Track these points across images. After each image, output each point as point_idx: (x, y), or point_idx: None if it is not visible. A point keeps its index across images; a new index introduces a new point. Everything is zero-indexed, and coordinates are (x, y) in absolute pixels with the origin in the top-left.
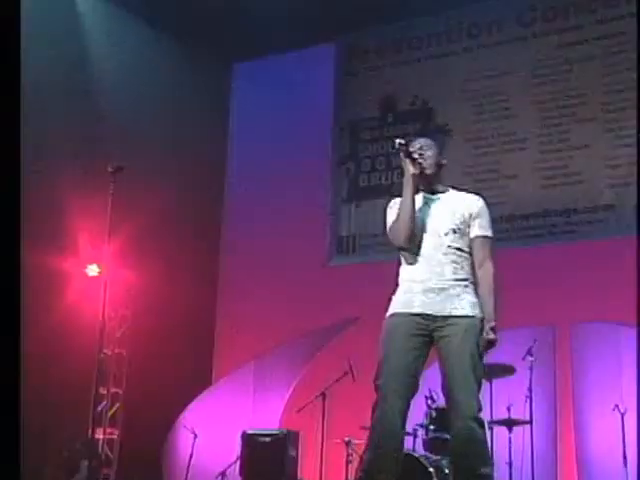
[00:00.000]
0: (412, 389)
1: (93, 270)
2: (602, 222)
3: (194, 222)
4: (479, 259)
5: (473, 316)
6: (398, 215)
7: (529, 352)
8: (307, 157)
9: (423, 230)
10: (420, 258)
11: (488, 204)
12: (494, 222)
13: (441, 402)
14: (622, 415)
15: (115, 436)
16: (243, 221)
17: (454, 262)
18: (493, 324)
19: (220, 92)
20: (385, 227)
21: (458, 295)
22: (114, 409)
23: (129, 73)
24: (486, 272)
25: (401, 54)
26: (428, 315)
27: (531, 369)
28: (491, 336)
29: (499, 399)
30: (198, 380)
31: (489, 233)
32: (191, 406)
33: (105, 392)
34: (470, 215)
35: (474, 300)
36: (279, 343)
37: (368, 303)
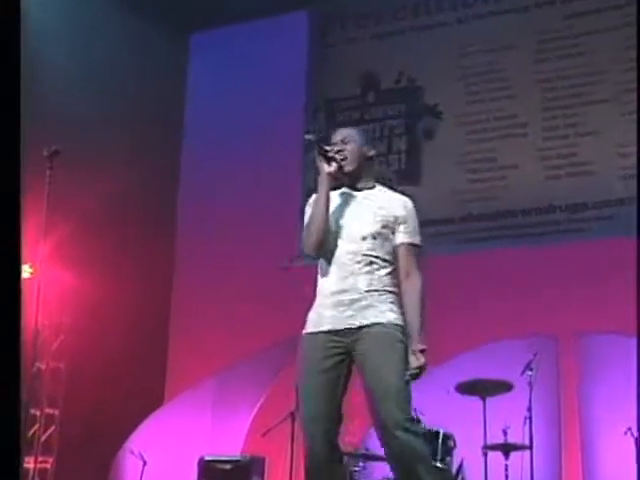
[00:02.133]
0: (334, 414)
1: (25, 271)
2: (612, 219)
3: (144, 216)
4: (404, 269)
5: (385, 323)
6: (309, 218)
7: (528, 366)
8: (275, 143)
9: (338, 235)
10: (333, 267)
11: (416, 208)
12: (490, 217)
13: (428, 424)
14: (636, 439)
15: (49, 465)
16: (200, 217)
17: (369, 272)
18: (423, 347)
19: (174, 69)
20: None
21: (371, 305)
22: (48, 433)
23: (69, 45)
24: (412, 285)
25: (385, 24)
26: (339, 331)
27: (531, 386)
28: (421, 361)
29: (494, 420)
30: (148, 399)
31: (416, 240)
32: (140, 429)
33: (38, 413)
34: (395, 219)
35: (393, 308)
36: (242, 356)
37: None
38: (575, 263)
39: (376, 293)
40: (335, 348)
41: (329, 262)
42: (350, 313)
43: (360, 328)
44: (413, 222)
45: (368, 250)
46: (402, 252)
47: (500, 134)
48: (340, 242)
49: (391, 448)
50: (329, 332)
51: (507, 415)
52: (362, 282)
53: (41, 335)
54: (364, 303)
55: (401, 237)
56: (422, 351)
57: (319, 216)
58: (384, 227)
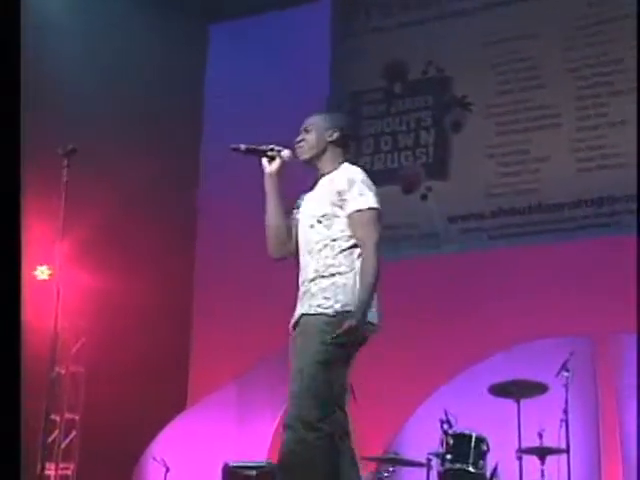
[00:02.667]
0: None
1: (43, 273)
2: None
3: (165, 214)
4: (359, 241)
5: (312, 312)
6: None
7: (564, 367)
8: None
9: (299, 225)
10: (299, 261)
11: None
12: (521, 212)
13: (459, 427)
14: None
15: (69, 472)
16: (222, 216)
17: (317, 259)
18: (353, 308)
19: (193, 61)
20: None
21: (314, 294)
22: (69, 439)
23: (85, 38)
24: (364, 257)
25: (411, 12)
26: (294, 325)
27: (567, 387)
28: (349, 323)
29: (529, 423)
30: (170, 403)
31: (363, 204)
32: (162, 434)
33: (58, 419)
34: (339, 192)
35: (328, 295)
36: (266, 358)
37: None
38: (611, 259)
39: (323, 280)
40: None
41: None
42: (300, 305)
43: (297, 323)
44: (357, 188)
45: (315, 237)
46: (352, 222)
47: (531, 125)
48: (299, 234)
49: (280, 447)
50: (293, 328)
51: (542, 417)
52: (310, 272)
53: (60, 338)
54: (309, 294)
55: (348, 207)
56: (354, 314)
57: (268, 222)
58: (329, 206)
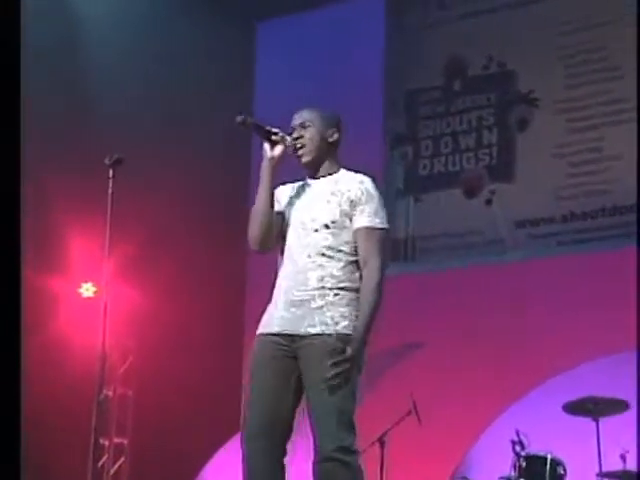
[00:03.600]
0: (281, 425)
1: (88, 290)
2: None
3: (214, 226)
4: (362, 256)
5: (332, 334)
6: (252, 211)
7: None
8: (352, 140)
9: (291, 228)
10: (286, 263)
11: (377, 186)
12: (593, 216)
13: (533, 449)
14: None
15: None
16: None
17: (321, 266)
18: (355, 337)
19: (241, 61)
20: None
21: (321, 308)
22: (118, 465)
23: (128, 41)
24: (367, 275)
25: (470, 3)
26: (287, 335)
27: None
28: (347, 353)
29: (610, 444)
30: (223, 425)
31: (376, 223)
32: (214, 459)
33: (107, 443)
34: (351, 202)
35: (345, 313)
36: None
37: (433, 324)
38: None
39: (329, 292)
40: (283, 351)
41: (283, 257)
42: (299, 314)
43: (304, 337)
44: (372, 203)
45: (320, 242)
46: (360, 237)
47: (604, 121)
48: (292, 235)
49: (315, 476)
50: (277, 335)
51: (624, 438)
52: (312, 279)
53: (108, 359)
54: (313, 305)
55: (358, 221)
56: (355, 341)
57: (260, 209)
58: (340, 215)
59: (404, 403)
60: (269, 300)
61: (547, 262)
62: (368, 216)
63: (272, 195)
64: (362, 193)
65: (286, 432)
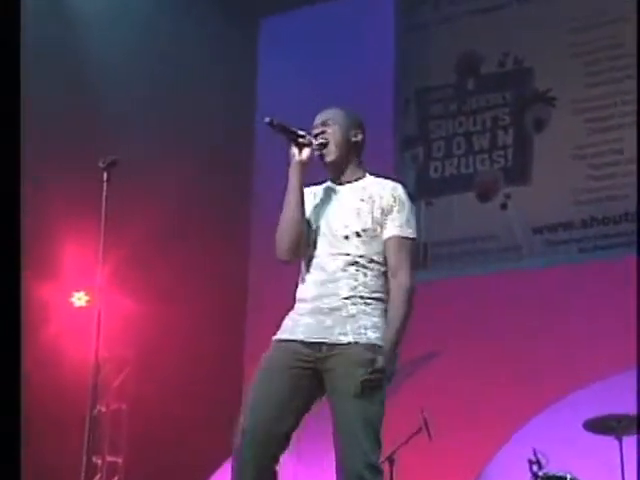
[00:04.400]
0: (277, 440)
1: (80, 299)
2: None
3: (213, 232)
4: (392, 267)
5: (364, 344)
6: (280, 219)
7: None
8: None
9: (318, 234)
10: (313, 271)
11: (410, 195)
12: (615, 221)
13: (551, 468)
14: None
15: None
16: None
17: (354, 275)
18: (386, 348)
19: (243, 59)
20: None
21: (353, 316)
22: None
23: (126, 38)
24: (397, 285)
25: None
26: (313, 343)
27: None
28: (378, 364)
29: (633, 464)
30: (224, 443)
31: (408, 233)
32: (215, 477)
33: (100, 462)
34: (383, 210)
35: (378, 324)
36: None
37: (446, 334)
38: None
39: (361, 301)
40: (304, 360)
41: (309, 265)
42: (329, 323)
43: (334, 346)
44: (404, 211)
45: (352, 250)
46: (391, 246)
47: (626, 121)
48: (320, 242)
49: None
50: (302, 342)
51: None
52: (344, 287)
53: (101, 372)
54: (345, 313)
55: (390, 230)
56: (387, 354)
57: (290, 216)
58: (372, 221)
59: (417, 417)
60: (271, 307)
61: (567, 269)
62: (400, 225)
63: (303, 202)
64: (394, 200)
65: (282, 446)
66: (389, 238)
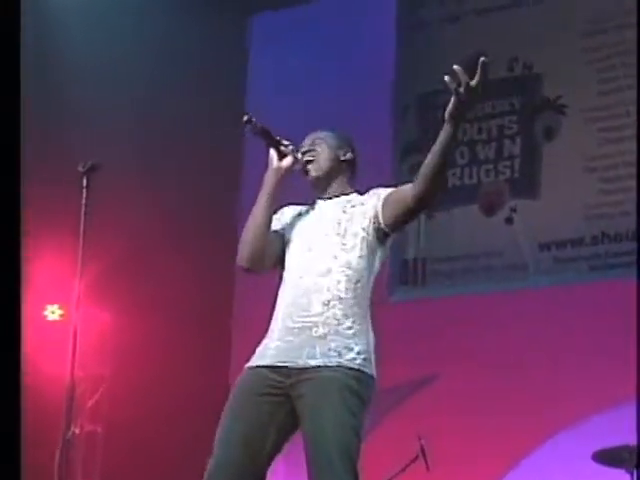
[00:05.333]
0: (252, 474)
1: (54, 313)
2: None
3: (201, 242)
4: (405, 190)
5: (336, 367)
6: (247, 224)
7: None
8: (357, 148)
9: (293, 248)
10: (288, 287)
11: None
12: (629, 237)
13: None
14: None
15: None
16: None
17: (329, 290)
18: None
19: (233, 58)
20: None
21: (324, 337)
22: None
23: (110, 35)
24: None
25: None
26: (281, 367)
27: None
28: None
29: None
30: (205, 468)
31: (388, 189)
32: None
33: None
34: (364, 214)
35: (351, 344)
36: None
37: (444, 355)
38: None
39: (335, 321)
40: (274, 387)
41: (287, 281)
42: (297, 343)
43: (304, 369)
44: (384, 190)
45: (328, 262)
46: (390, 199)
47: None
48: (295, 257)
49: None
50: (270, 367)
51: None
52: (317, 302)
53: (76, 391)
54: (315, 333)
55: (380, 197)
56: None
57: (257, 222)
58: (351, 231)
59: (413, 443)
60: (258, 320)
61: (576, 289)
62: (383, 191)
63: (272, 209)
64: (373, 193)
65: (258, 473)
66: (385, 198)
